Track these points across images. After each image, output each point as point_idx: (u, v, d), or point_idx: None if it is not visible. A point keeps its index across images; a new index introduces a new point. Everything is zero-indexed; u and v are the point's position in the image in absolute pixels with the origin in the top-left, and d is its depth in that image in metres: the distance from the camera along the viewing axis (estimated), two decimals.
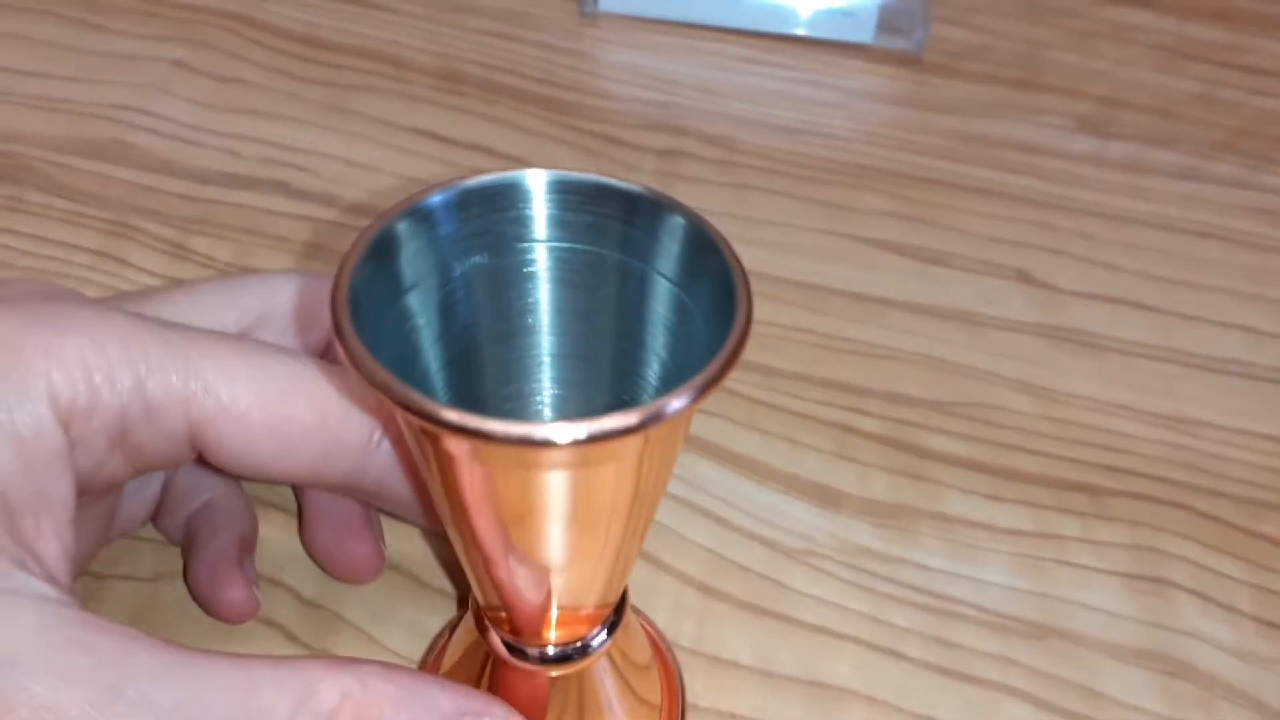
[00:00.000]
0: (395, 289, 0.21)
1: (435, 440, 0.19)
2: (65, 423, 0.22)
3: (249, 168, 0.44)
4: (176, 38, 0.51)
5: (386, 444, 0.25)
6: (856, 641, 0.30)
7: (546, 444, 0.17)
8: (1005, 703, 0.29)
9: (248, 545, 0.29)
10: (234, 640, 0.30)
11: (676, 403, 0.18)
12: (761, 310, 0.31)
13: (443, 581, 0.31)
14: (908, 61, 0.52)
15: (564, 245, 0.23)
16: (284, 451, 0.24)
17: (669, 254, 0.22)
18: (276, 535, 0.32)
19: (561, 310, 0.24)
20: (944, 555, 0.32)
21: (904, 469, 0.35)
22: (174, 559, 0.31)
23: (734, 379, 0.37)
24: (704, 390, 0.18)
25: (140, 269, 0.40)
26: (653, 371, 0.23)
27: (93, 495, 0.24)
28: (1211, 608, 0.31)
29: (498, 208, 0.22)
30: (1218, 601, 0.32)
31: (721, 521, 0.33)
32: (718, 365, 0.19)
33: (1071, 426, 0.36)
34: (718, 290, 0.20)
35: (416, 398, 0.18)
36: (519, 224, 0.22)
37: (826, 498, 0.34)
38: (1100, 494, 0.34)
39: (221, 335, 0.24)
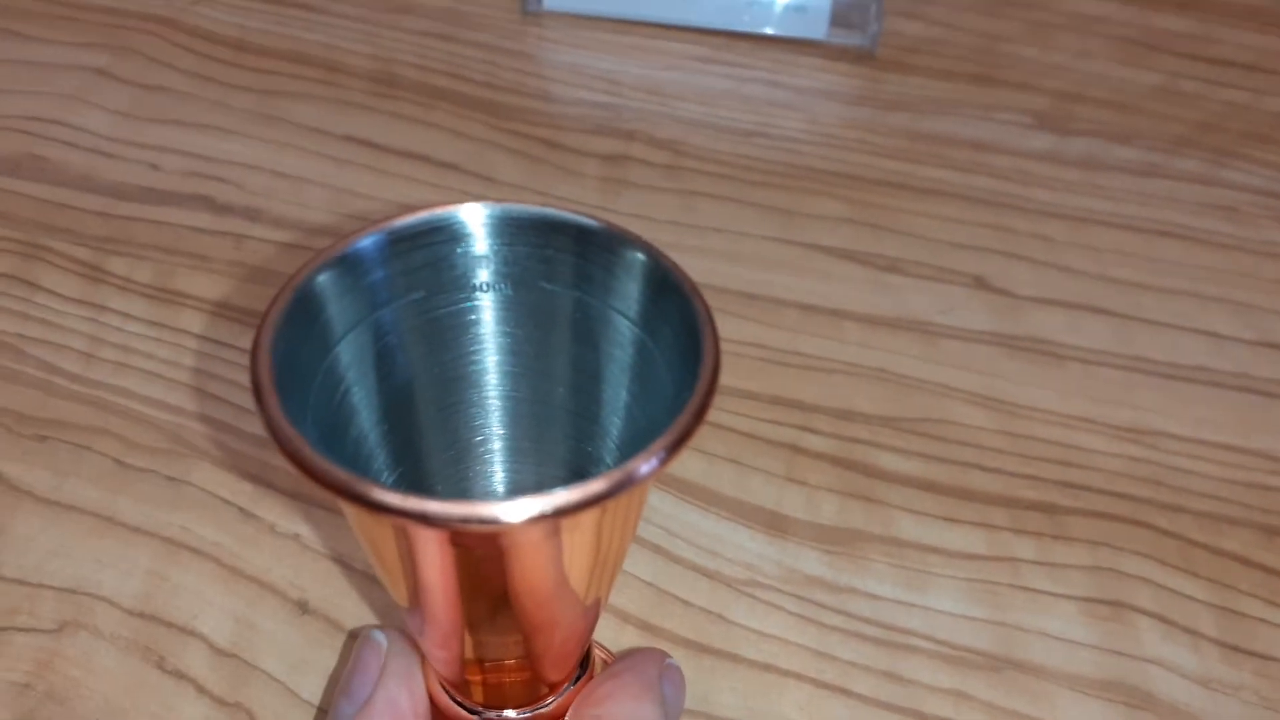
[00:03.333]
0: (324, 344, 0.19)
1: (375, 518, 0.17)
2: None
3: (170, 182, 0.42)
4: (99, 44, 0.48)
5: None
6: (801, 678, 0.29)
7: (495, 523, 0.15)
8: None
9: None
10: (141, 697, 0.28)
11: (644, 467, 0.16)
12: None
13: (364, 625, 0.30)
14: (862, 57, 0.50)
15: (510, 284, 0.21)
16: None
17: (627, 292, 0.20)
18: (189, 580, 0.30)
19: (511, 353, 0.21)
20: (895, 583, 0.31)
21: (854, 491, 0.33)
22: (79, 608, 0.29)
23: None
24: (673, 450, 0.16)
25: (53, 293, 0.38)
26: (614, 418, 0.21)
27: None
28: (1173, 632, 0.30)
29: (434, 248, 0.20)
30: (1180, 625, 0.30)
31: (663, 552, 0.31)
32: (687, 419, 0.16)
33: (1028, 441, 0.35)
34: (681, 331, 0.18)
35: (344, 478, 0.15)
36: (459, 264, 0.20)
37: (773, 524, 0.32)
38: (1058, 513, 0.33)
39: None
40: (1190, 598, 0.31)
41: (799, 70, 0.50)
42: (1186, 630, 0.30)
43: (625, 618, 0.30)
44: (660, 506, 0.33)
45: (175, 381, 0.35)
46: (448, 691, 0.23)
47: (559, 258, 0.20)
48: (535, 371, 0.22)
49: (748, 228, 0.42)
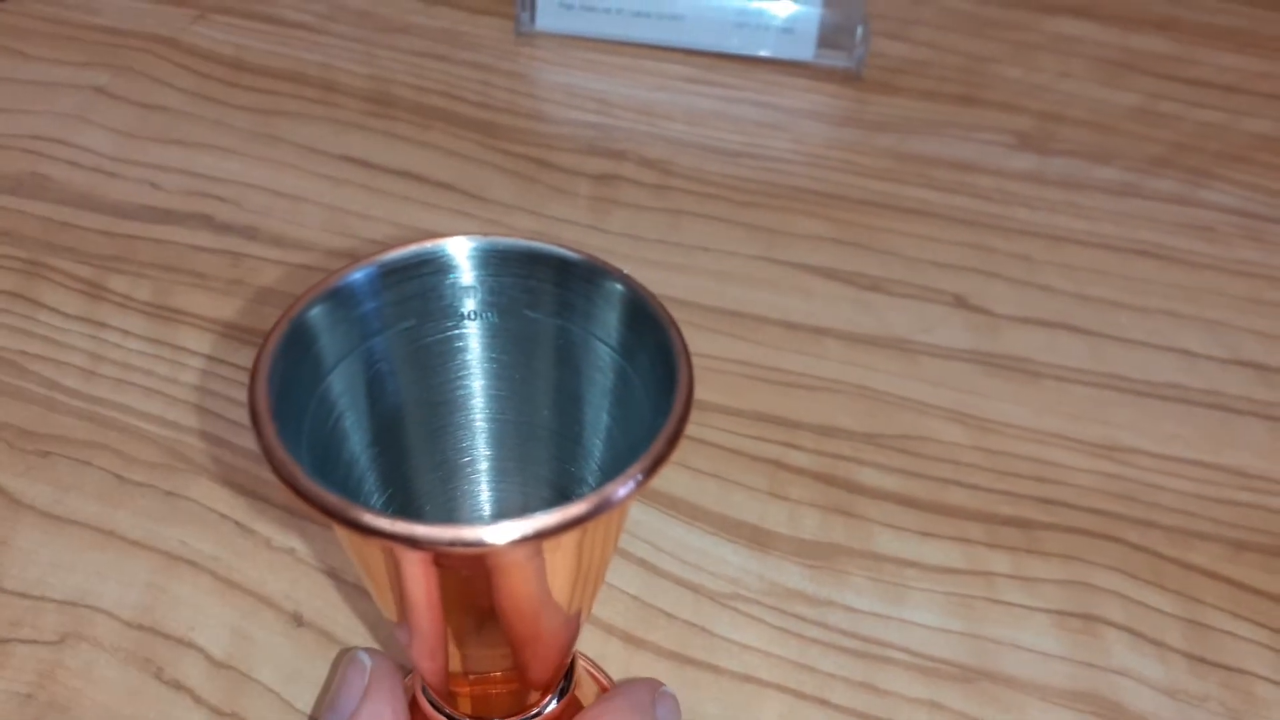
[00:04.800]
0: (318, 372, 0.20)
1: (365, 540, 0.18)
2: None
3: (171, 200, 0.43)
4: (99, 63, 0.49)
5: None
6: (782, 689, 0.30)
7: (479, 545, 0.16)
8: None
9: None
10: (141, 707, 0.29)
11: (622, 490, 0.17)
12: (693, 341, 0.30)
13: (357, 638, 0.30)
14: (848, 79, 0.51)
15: (496, 313, 0.22)
16: None
17: (607, 320, 0.21)
18: (187, 592, 0.31)
19: (497, 378, 0.22)
20: (873, 596, 0.32)
21: (835, 506, 0.34)
22: (79, 620, 0.30)
23: None
24: (649, 474, 0.17)
25: (55, 310, 0.38)
26: (595, 439, 0.22)
27: None
28: (1142, 644, 0.31)
29: (423, 279, 0.21)
30: (1148, 637, 0.31)
31: (648, 566, 0.32)
32: (661, 445, 0.17)
33: (1004, 457, 0.36)
34: (657, 358, 0.19)
35: (337, 503, 0.16)
36: (447, 294, 0.21)
37: (756, 538, 0.33)
38: (1032, 528, 0.34)
39: None
40: (1159, 610, 0.32)
41: (786, 91, 0.51)
42: (1155, 642, 0.31)
43: (610, 630, 0.31)
44: (645, 521, 0.33)
45: (173, 398, 0.36)
46: (435, 703, 0.24)
47: (542, 288, 0.21)
48: (520, 395, 0.22)
49: (733, 247, 0.43)
